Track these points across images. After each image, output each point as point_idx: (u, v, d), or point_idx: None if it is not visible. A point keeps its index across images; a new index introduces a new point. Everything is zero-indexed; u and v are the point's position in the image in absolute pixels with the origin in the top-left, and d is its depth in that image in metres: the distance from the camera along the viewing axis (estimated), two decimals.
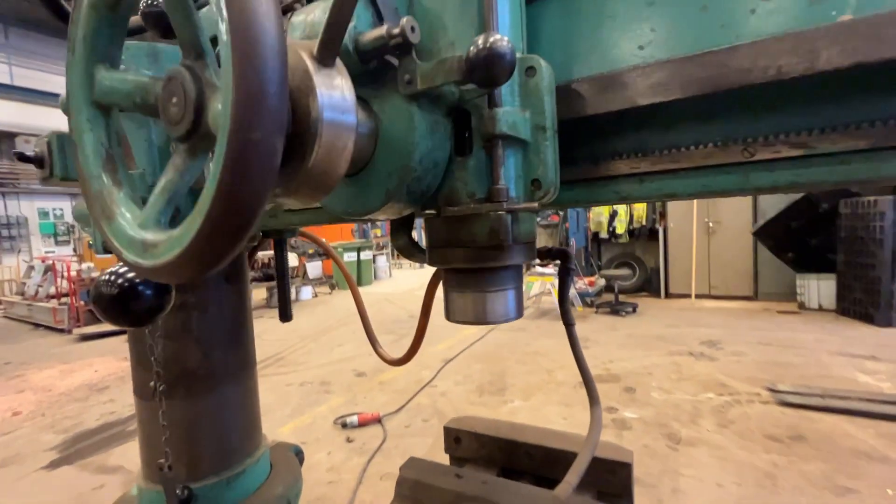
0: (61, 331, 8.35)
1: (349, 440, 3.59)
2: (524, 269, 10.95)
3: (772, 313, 7.13)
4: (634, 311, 7.67)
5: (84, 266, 8.48)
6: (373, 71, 0.43)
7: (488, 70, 0.36)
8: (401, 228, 0.65)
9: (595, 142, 0.58)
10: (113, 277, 0.41)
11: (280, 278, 1.39)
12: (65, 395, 5.06)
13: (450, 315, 0.53)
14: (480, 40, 0.36)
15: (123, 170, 0.40)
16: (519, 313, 0.54)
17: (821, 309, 7.03)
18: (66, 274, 9.02)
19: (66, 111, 1.18)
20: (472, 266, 0.48)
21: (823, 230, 6.90)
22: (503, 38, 0.37)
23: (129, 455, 3.59)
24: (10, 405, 4.85)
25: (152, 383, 1.05)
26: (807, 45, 0.42)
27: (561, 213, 9.07)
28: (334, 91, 0.35)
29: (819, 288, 7.02)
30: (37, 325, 9.12)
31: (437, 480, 0.87)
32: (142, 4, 0.62)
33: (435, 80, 0.41)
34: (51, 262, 9.93)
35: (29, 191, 14.16)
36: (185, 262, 0.29)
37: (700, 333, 6.14)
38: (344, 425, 3.78)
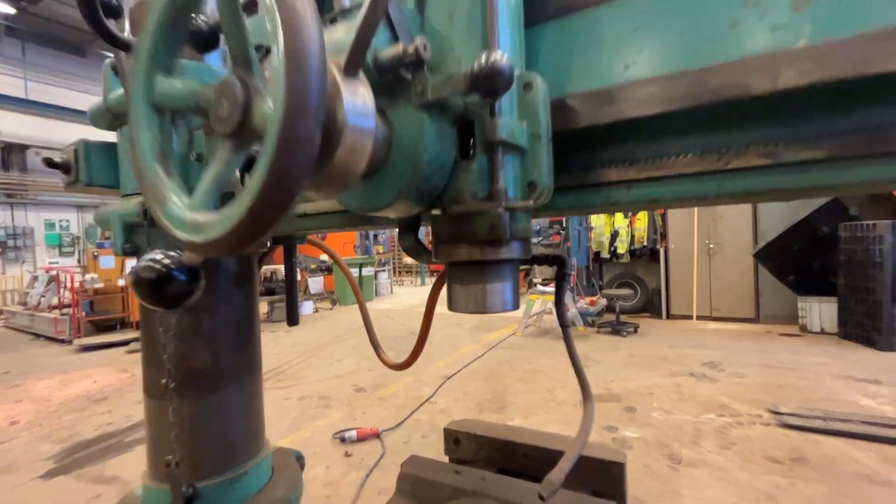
0: (62, 341, 8.35)
1: (347, 455, 3.57)
2: (526, 288, 10.92)
3: (773, 336, 7.11)
4: (636, 331, 7.65)
5: (88, 277, 8.54)
6: (388, 83, 0.49)
7: (490, 83, 0.42)
8: (408, 230, 0.70)
9: (587, 151, 0.63)
10: (151, 263, 0.46)
11: (289, 283, 1.44)
12: (63, 406, 5.05)
13: (453, 305, 0.58)
14: (483, 57, 0.42)
15: (173, 163, 0.45)
16: (515, 305, 0.59)
17: (823, 332, 7.01)
18: (69, 284, 9.07)
19: (95, 123, 1.25)
20: (474, 259, 0.54)
21: (824, 253, 6.93)
22: (504, 55, 0.43)
23: (126, 466, 3.58)
24: (7, 414, 4.84)
25: (164, 381, 1.09)
26: (769, 67, 0.48)
27: (562, 232, 9.14)
28: (357, 99, 0.41)
29: (821, 311, 7.02)
30: (37, 336, 9.12)
31: (436, 476, 0.90)
32: None
33: (443, 91, 0.47)
34: (55, 272, 10.00)
35: (36, 202, 14.35)
36: (237, 234, 0.34)
37: (701, 355, 6.12)
38: (342, 440, 3.76)
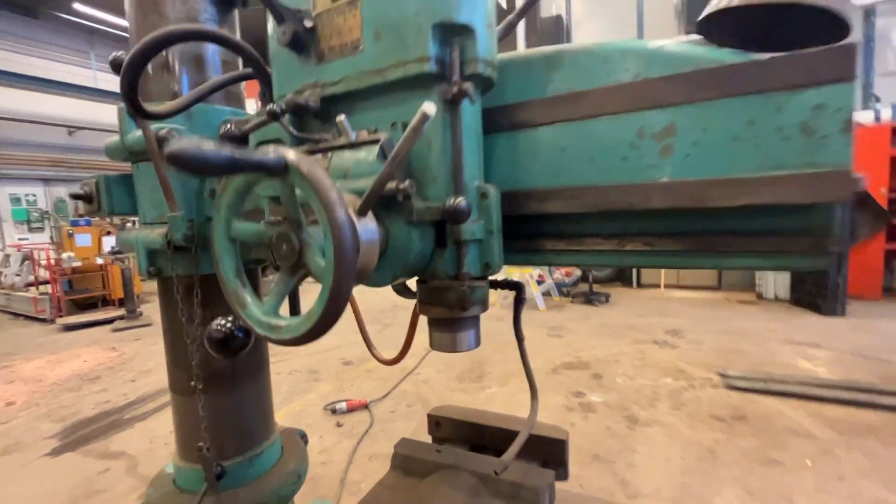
0: (43, 321, 8.35)
1: (339, 425, 3.88)
2: None
3: (732, 303, 7.66)
4: (607, 300, 8.11)
5: (64, 255, 8.44)
6: (385, 200, 0.70)
7: (455, 216, 0.63)
8: (398, 283, 0.92)
9: (532, 226, 0.86)
10: (219, 326, 0.67)
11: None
12: (57, 385, 5.19)
13: (433, 345, 0.81)
14: (451, 200, 0.63)
15: (246, 277, 0.65)
16: (478, 343, 0.83)
17: (776, 299, 7.60)
18: (44, 262, 8.95)
19: (111, 156, 1.39)
20: (448, 317, 0.77)
21: None
22: (463, 200, 0.64)
23: (130, 441, 3.81)
24: (2, 395, 4.97)
25: (192, 382, 1.31)
26: (644, 192, 0.70)
27: None
28: (368, 230, 0.61)
29: (775, 279, 7.57)
30: (16, 315, 9.06)
31: (421, 454, 1.16)
32: (221, 129, 0.86)
33: (424, 216, 0.67)
34: (28, 250, 9.81)
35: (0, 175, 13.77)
36: (306, 337, 0.55)
37: (666, 323, 6.60)
38: (333, 411, 4.06)
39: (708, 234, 0.71)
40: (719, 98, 0.64)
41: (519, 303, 1.07)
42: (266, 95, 0.93)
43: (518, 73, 0.83)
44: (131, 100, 0.89)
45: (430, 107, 0.57)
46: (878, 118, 7.11)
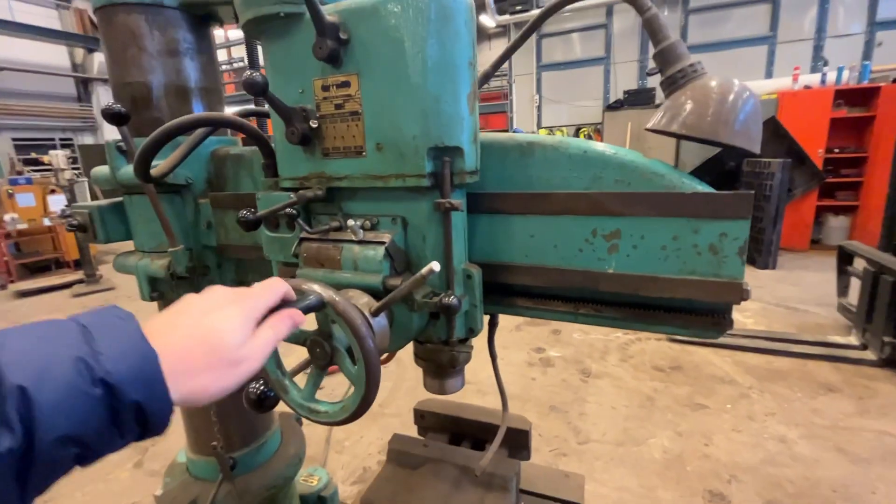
0: None
1: (321, 388, 4.14)
2: None
3: None
4: None
5: (7, 217, 7.91)
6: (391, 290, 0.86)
7: (447, 311, 0.80)
8: None
9: (507, 288, 1.04)
10: (253, 388, 0.83)
11: None
12: None
13: (427, 388, 1.01)
14: (444, 297, 0.80)
15: (285, 370, 0.80)
16: (462, 386, 1.03)
17: None
18: None
19: (98, 184, 1.43)
20: (439, 370, 0.96)
21: (728, 185, 7.89)
22: (454, 298, 0.80)
23: None
24: None
25: None
26: (594, 279, 0.89)
27: None
28: (381, 326, 0.78)
29: None
30: None
31: (411, 449, 1.40)
32: (240, 215, 0.96)
33: (423, 308, 0.84)
34: None
35: None
36: (341, 422, 0.73)
37: None
38: None
39: (641, 307, 0.92)
40: (654, 216, 0.83)
41: (493, 326, 1.27)
42: (269, 167, 1.02)
43: (496, 158, 0.97)
44: (144, 174, 0.97)
45: (436, 265, 0.72)
46: (823, 81, 7.50)
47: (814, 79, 7.65)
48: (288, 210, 0.90)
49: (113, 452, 0.48)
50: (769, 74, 10.26)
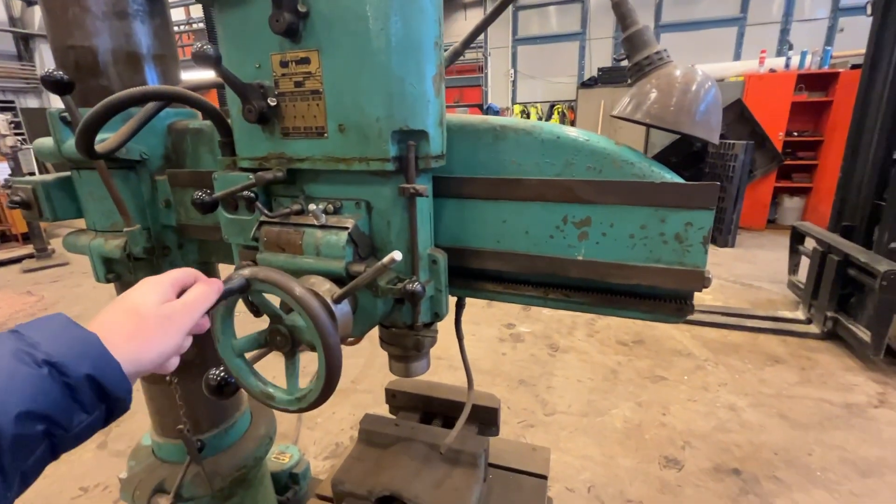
0: None
1: None
2: None
3: None
4: None
5: None
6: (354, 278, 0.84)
7: (412, 297, 0.79)
8: None
9: (475, 272, 1.04)
10: (214, 374, 0.81)
11: None
12: None
13: (392, 371, 1.02)
14: (409, 283, 0.79)
15: (260, 376, 0.78)
16: (427, 368, 1.04)
17: None
18: None
19: (42, 157, 1.32)
20: (404, 354, 0.97)
21: (694, 165, 8.13)
22: (418, 283, 0.79)
23: None
24: None
25: (167, 378, 1.43)
26: (563, 265, 0.90)
27: None
28: (344, 312, 0.76)
29: None
30: None
31: (383, 429, 1.41)
32: (194, 196, 0.90)
33: (388, 293, 0.82)
34: None
35: None
36: (321, 399, 0.71)
37: None
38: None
39: (608, 292, 0.94)
40: (623, 204, 0.83)
41: (460, 307, 1.28)
42: (226, 145, 0.97)
43: (468, 141, 0.95)
44: (87, 150, 0.90)
45: (397, 254, 0.71)
46: (787, 65, 7.71)
47: (779, 62, 7.85)
48: (246, 193, 0.86)
49: (87, 432, 0.51)
50: (737, 56, 10.46)
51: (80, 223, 1.42)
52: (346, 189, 0.88)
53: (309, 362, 0.84)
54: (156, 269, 1.36)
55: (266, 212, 0.86)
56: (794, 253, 5.02)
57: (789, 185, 8.33)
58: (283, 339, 0.73)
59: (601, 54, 12.09)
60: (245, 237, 0.98)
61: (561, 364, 4.14)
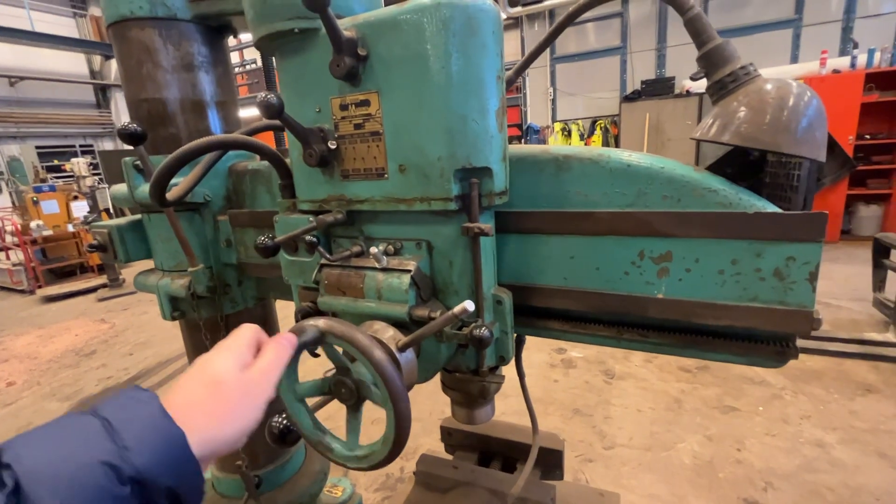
0: (22, 292, 8.21)
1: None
2: None
3: None
4: None
5: (33, 224, 8.11)
6: (419, 323, 0.80)
7: (478, 344, 0.74)
8: None
9: (540, 311, 0.97)
10: (276, 423, 0.79)
11: None
12: (53, 362, 5.27)
13: (455, 417, 0.96)
14: (476, 328, 0.73)
15: (320, 424, 0.76)
16: (492, 415, 0.98)
17: None
18: (11, 230, 8.61)
19: (117, 203, 1.39)
20: (469, 400, 0.91)
21: (752, 175, 7.61)
22: (485, 329, 0.73)
23: None
24: (0, 375, 5.03)
25: None
26: (641, 304, 0.82)
27: None
28: (409, 360, 0.73)
29: None
30: None
31: (441, 472, 1.35)
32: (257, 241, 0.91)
33: (450, 339, 0.78)
34: None
35: None
36: (388, 459, 0.67)
37: None
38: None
39: (693, 332, 0.85)
40: (710, 237, 0.75)
41: (520, 343, 1.21)
42: (286, 188, 0.98)
43: (529, 174, 0.90)
44: (160, 199, 0.94)
45: (470, 304, 0.67)
46: (853, 65, 7.17)
47: (843, 62, 7.32)
48: (308, 236, 0.85)
49: None
50: (794, 59, 9.86)
51: (150, 262, 1.49)
52: (406, 229, 0.85)
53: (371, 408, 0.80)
54: (217, 307, 1.40)
55: (327, 255, 0.84)
56: (879, 267, 4.54)
57: (864, 192, 7.63)
58: (348, 392, 0.70)
59: (643, 67, 11.81)
60: (305, 279, 0.97)
61: (618, 392, 3.90)
